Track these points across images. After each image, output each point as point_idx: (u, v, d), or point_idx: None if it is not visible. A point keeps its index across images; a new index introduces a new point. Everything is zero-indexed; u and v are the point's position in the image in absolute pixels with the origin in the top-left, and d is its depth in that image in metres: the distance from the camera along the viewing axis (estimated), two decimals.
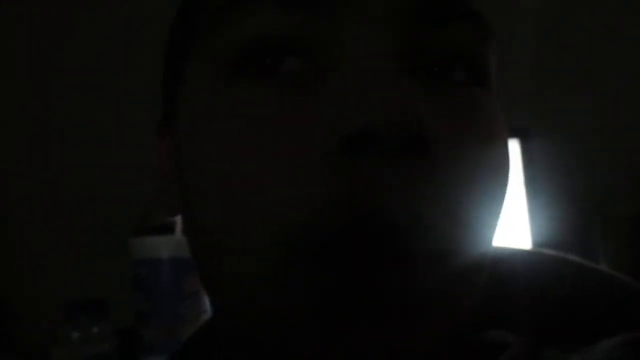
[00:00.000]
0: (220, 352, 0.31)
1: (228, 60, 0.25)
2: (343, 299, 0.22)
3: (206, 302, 0.80)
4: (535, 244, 1.13)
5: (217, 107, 0.25)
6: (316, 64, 0.24)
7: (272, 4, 0.24)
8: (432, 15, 0.25)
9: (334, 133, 0.22)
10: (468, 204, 0.24)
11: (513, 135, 1.16)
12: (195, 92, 0.27)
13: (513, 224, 1.14)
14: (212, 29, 0.26)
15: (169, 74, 0.31)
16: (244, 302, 0.25)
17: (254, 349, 0.27)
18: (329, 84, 0.23)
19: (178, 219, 0.77)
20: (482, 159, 0.25)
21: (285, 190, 0.23)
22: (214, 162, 0.25)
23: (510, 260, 0.37)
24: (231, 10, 0.25)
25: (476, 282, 0.25)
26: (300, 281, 0.23)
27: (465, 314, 0.25)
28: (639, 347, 0.28)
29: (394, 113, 0.21)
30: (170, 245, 0.79)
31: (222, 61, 0.25)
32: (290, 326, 0.23)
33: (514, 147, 1.16)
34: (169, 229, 0.79)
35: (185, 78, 0.28)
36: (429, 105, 0.23)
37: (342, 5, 0.24)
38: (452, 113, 0.24)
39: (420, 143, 0.22)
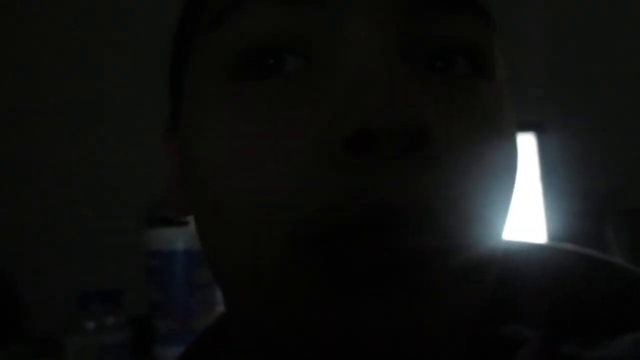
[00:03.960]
0: (234, 346, 0.32)
1: (230, 61, 0.25)
2: (350, 294, 0.22)
3: (219, 294, 0.81)
4: (551, 237, 1.12)
5: (220, 106, 0.26)
6: (317, 63, 0.24)
7: (271, 4, 0.24)
8: (430, 6, 0.25)
9: (336, 133, 0.22)
10: (473, 196, 0.24)
11: (528, 129, 1.15)
12: (198, 92, 0.27)
13: (529, 218, 1.13)
14: (214, 29, 0.26)
15: (174, 72, 0.31)
16: (254, 296, 0.25)
17: (266, 343, 0.27)
18: (330, 83, 0.23)
19: None
20: (486, 151, 0.25)
21: (290, 188, 0.23)
22: (218, 161, 0.25)
23: (525, 254, 0.36)
24: (231, 10, 0.25)
25: (486, 274, 0.25)
26: (307, 274, 0.23)
27: (476, 305, 0.25)
28: None
29: (394, 112, 0.21)
30: (183, 237, 0.80)
31: (224, 61, 0.26)
32: (300, 315, 0.23)
33: (530, 141, 1.15)
34: (182, 221, 0.79)
35: (189, 77, 0.29)
36: (430, 100, 0.23)
37: (341, 1, 0.24)
38: (454, 106, 0.24)
39: (421, 140, 0.22)
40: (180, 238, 0.80)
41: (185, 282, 0.79)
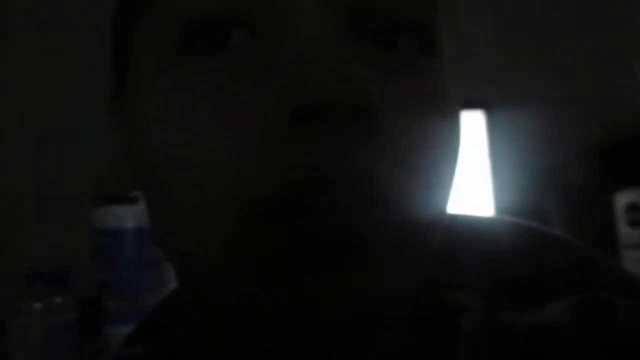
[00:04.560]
0: (184, 321, 0.31)
1: (175, 34, 0.25)
2: (296, 270, 0.23)
3: (169, 273, 0.80)
4: (498, 211, 1.15)
5: (166, 81, 0.25)
6: (263, 37, 0.24)
7: None
8: None
9: (282, 106, 0.22)
10: (416, 167, 0.24)
11: (477, 106, 1.17)
12: (143, 66, 0.27)
13: (477, 193, 1.16)
14: (158, 2, 0.26)
15: (117, 43, 0.30)
16: (206, 273, 0.25)
17: (218, 320, 0.27)
18: (276, 57, 0.24)
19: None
20: (429, 124, 0.25)
21: (238, 163, 0.23)
22: (165, 137, 0.25)
23: (471, 225, 0.37)
24: None
25: (429, 245, 0.25)
26: (257, 251, 0.23)
27: (419, 275, 0.26)
28: (589, 307, 0.29)
29: (338, 84, 0.21)
30: (133, 215, 0.79)
31: (170, 35, 0.25)
32: (249, 286, 0.23)
33: (478, 118, 1.18)
34: (131, 199, 0.78)
35: (133, 50, 0.28)
36: (374, 73, 0.24)
37: None
38: (398, 80, 0.25)
39: (365, 112, 0.22)
40: (130, 216, 0.78)
41: (134, 260, 0.78)
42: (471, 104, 1.16)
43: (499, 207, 1.15)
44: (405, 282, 0.25)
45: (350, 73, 0.22)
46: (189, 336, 0.31)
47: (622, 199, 1.07)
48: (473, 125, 1.17)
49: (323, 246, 0.22)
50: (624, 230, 1.06)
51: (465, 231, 0.35)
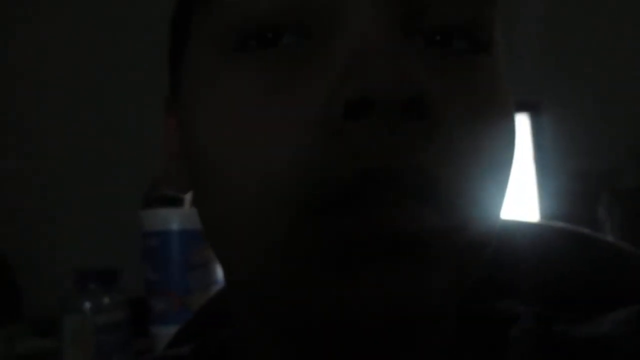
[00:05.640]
0: (231, 321, 0.32)
1: (229, 37, 0.25)
2: (351, 268, 0.23)
3: (214, 274, 0.81)
4: (544, 217, 1.13)
5: (219, 80, 0.26)
6: (317, 33, 0.25)
7: None
8: None
9: (336, 100, 0.22)
10: (473, 167, 0.24)
11: (523, 109, 1.15)
12: (198, 66, 0.27)
13: (522, 197, 1.14)
14: (213, 5, 0.26)
15: (174, 49, 0.31)
16: (258, 272, 0.25)
17: (267, 320, 0.27)
18: (330, 52, 0.24)
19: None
20: (485, 125, 0.25)
21: (292, 159, 0.23)
22: (219, 135, 0.25)
23: (518, 231, 0.37)
24: None
25: (483, 250, 0.25)
26: (312, 248, 0.23)
27: (471, 281, 0.25)
28: None
29: (392, 78, 0.21)
30: (179, 217, 0.80)
31: (224, 37, 0.26)
32: (304, 282, 0.24)
33: (524, 121, 1.15)
34: (178, 202, 0.80)
35: (188, 54, 0.28)
36: (429, 71, 0.23)
37: None
38: (454, 79, 0.25)
39: (419, 105, 0.22)
40: (176, 218, 0.80)
41: (179, 262, 0.80)
42: (517, 107, 1.14)
43: (544, 214, 1.13)
44: (458, 284, 0.25)
45: (404, 67, 0.22)
46: (235, 337, 0.32)
47: None
48: (519, 128, 1.15)
49: (380, 240, 0.22)
50: None
51: (517, 237, 0.34)
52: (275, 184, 0.23)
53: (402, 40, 0.24)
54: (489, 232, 0.25)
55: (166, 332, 0.76)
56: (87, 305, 0.79)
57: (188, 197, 0.80)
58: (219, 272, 0.82)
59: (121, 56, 1.19)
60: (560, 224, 0.38)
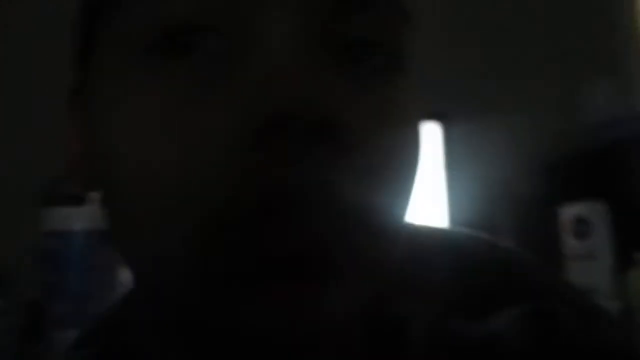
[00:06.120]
0: (137, 328, 0.31)
1: (142, 37, 0.25)
2: (261, 263, 0.23)
3: (117, 277, 0.79)
4: (453, 221, 1.17)
5: (131, 82, 0.25)
6: (231, 46, 0.24)
7: None
8: (350, 1, 0.25)
9: (249, 117, 0.22)
10: (377, 182, 0.24)
11: (434, 118, 1.19)
12: (107, 65, 0.26)
13: (432, 204, 1.18)
14: (127, 4, 0.25)
15: (80, 43, 0.30)
16: (162, 281, 0.25)
17: (172, 323, 0.27)
18: (243, 66, 0.24)
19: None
20: (392, 141, 0.25)
21: (201, 170, 0.23)
22: (127, 140, 0.24)
23: (426, 236, 0.38)
24: None
25: (388, 250, 0.26)
26: (218, 253, 0.23)
27: (380, 282, 0.26)
28: (533, 317, 0.30)
29: (305, 98, 0.22)
30: (82, 217, 0.77)
31: (137, 37, 0.25)
32: (206, 294, 0.23)
33: (435, 130, 1.20)
34: (79, 200, 0.76)
35: (97, 50, 0.27)
36: (341, 88, 0.24)
37: None
38: (364, 95, 0.25)
39: (330, 125, 0.22)
40: (78, 217, 0.76)
41: (81, 264, 0.76)
42: (427, 116, 1.18)
43: (453, 218, 1.17)
44: (366, 291, 0.25)
45: (317, 86, 0.22)
46: (137, 345, 0.31)
47: (569, 212, 1.10)
48: (429, 137, 1.19)
49: (284, 257, 0.22)
50: (570, 242, 1.09)
51: (423, 241, 0.35)
52: (180, 195, 0.23)
53: (317, 55, 0.24)
54: (392, 233, 0.26)
55: (64, 337, 0.73)
56: None
57: (92, 196, 0.77)
58: (123, 276, 0.79)
59: (17, 36, 1.13)
60: (463, 230, 0.39)
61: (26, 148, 1.08)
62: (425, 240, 0.38)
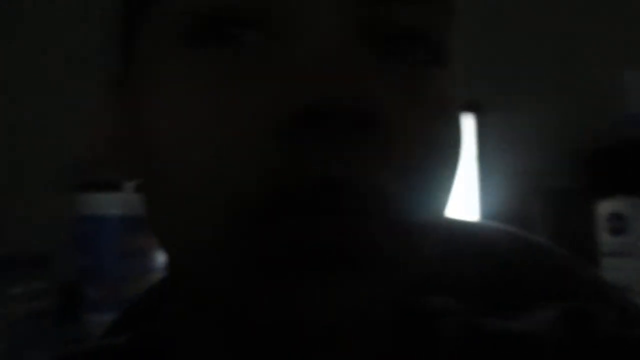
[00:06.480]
0: (171, 311, 0.31)
1: (188, 26, 0.25)
2: (293, 255, 0.23)
3: (151, 262, 0.80)
4: (484, 214, 1.16)
5: (174, 70, 0.25)
6: (275, 36, 0.24)
7: None
8: None
9: (286, 107, 0.22)
10: (417, 177, 0.24)
11: (467, 110, 1.18)
12: (151, 52, 0.27)
13: (463, 196, 1.17)
14: None
15: (123, 31, 0.30)
16: (196, 266, 0.25)
17: (205, 309, 0.27)
18: (285, 58, 0.23)
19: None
20: (433, 137, 0.25)
21: (234, 160, 0.23)
22: (167, 126, 0.25)
23: (460, 231, 0.37)
24: None
25: (428, 244, 0.26)
26: (248, 250, 0.23)
27: (416, 275, 0.26)
28: (571, 316, 0.30)
29: (345, 90, 0.21)
30: (115, 202, 0.78)
31: (182, 26, 0.25)
32: (237, 283, 0.23)
33: (468, 121, 1.18)
34: (114, 186, 0.77)
35: (138, 38, 0.28)
36: (383, 82, 0.24)
37: None
38: (407, 90, 0.25)
39: (369, 120, 0.22)
40: (112, 203, 0.78)
41: (115, 248, 0.78)
42: (462, 107, 1.16)
43: (485, 211, 1.16)
44: (400, 285, 0.25)
45: (360, 79, 0.22)
46: (171, 329, 0.31)
47: (605, 207, 1.08)
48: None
49: (317, 249, 0.22)
50: (606, 238, 1.07)
51: (457, 236, 0.35)
52: (217, 182, 0.23)
53: (358, 49, 0.24)
54: (429, 223, 0.26)
55: (98, 320, 0.75)
56: (15, 291, 0.76)
57: (127, 182, 0.78)
58: (157, 260, 0.80)
59: (52, 28, 1.15)
60: (498, 225, 0.39)
61: (64, 135, 1.10)
62: (459, 234, 0.37)
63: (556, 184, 1.26)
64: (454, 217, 0.37)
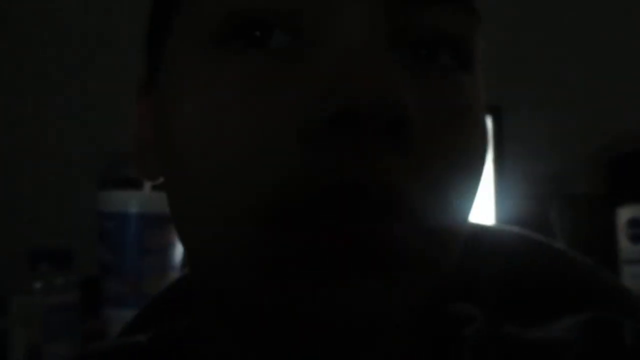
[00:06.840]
0: (192, 311, 0.32)
1: (217, 29, 0.25)
2: (315, 277, 0.23)
3: (171, 260, 0.81)
4: (500, 220, 1.15)
5: (203, 72, 0.25)
6: (305, 40, 0.24)
7: None
8: None
9: (319, 110, 0.22)
10: (443, 184, 0.24)
11: (486, 113, 1.17)
12: (181, 55, 0.27)
13: (479, 200, 1.16)
14: None
15: (153, 34, 0.30)
16: (218, 266, 0.25)
17: (228, 311, 0.27)
18: (316, 61, 0.24)
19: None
20: (459, 143, 0.25)
21: (263, 162, 0.23)
22: (195, 128, 0.25)
23: (481, 236, 0.37)
24: None
25: (453, 249, 0.26)
26: (273, 253, 0.23)
27: (441, 280, 0.26)
28: (596, 326, 0.30)
29: (376, 95, 0.21)
30: (137, 200, 0.79)
31: (211, 29, 0.25)
32: (260, 287, 0.24)
33: (487, 124, 1.17)
34: (136, 184, 0.78)
35: (171, 41, 0.28)
36: (412, 87, 0.24)
37: None
38: (435, 96, 0.25)
39: (400, 125, 0.22)
40: (135, 201, 0.79)
41: (136, 245, 0.79)
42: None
43: (501, 216, 1.15)
44: (425, 297, 0.25)
45: (392, 84, 0.22)
46: (193, 329, 0.32)
47: (625, 214, 1.07)
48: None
49: (345, 253, 0.22)
50: (625, 245, 1.06)
51: (478, 241, 0.35)
52: (246, 185, 0.23)
53: (388, 53, 0.24)
54: (456, 228, 0.26)
55: (118, 315, 0.75)
56: (39, 285, 0.77)
57: (148, 182, 0.79)
58: (176, 258, 0.81)
59: (83, 29, 1.16)
60: (515, 229, 0.39)
61: (90, 135, 1.11)
62: (483, 240, 0.37)
63: (575, 189, 1.25)
64: (475, 222, 0.37)
